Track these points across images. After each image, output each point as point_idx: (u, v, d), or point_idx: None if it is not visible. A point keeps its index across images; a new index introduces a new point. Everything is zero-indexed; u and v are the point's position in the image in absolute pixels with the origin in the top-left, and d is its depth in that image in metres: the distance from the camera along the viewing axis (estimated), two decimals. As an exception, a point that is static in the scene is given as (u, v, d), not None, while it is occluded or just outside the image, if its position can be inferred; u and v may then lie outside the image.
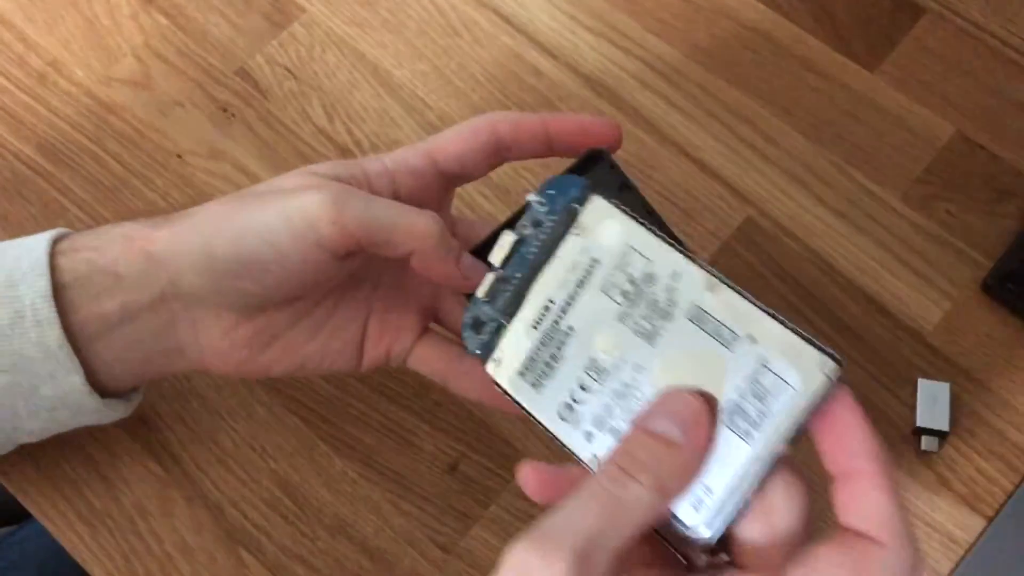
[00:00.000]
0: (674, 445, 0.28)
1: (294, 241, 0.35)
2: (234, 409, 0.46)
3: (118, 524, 0.44)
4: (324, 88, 0.53)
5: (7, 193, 0.51)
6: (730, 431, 0.28)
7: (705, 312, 0.29)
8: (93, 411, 0.39)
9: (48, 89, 0.53)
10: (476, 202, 0.50)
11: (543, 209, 0.34)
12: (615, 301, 0.31)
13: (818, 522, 0.28)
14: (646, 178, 0.51)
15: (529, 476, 0.31)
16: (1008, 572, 0.43)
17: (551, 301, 0.32)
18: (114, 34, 0.55)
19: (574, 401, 0.31)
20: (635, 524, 0.27)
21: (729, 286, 0.29)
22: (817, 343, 0.27)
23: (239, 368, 0.39)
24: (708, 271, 0.29)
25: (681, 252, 0.30)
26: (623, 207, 0.31)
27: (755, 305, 0.28)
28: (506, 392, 0.33)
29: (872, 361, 0.47)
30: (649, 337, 0.30)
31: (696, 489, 0.28)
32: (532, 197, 0.34)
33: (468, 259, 0.36)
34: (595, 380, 0.31)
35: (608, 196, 0.32)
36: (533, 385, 0.32)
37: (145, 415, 0.45)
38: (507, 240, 0.34)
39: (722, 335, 0.28)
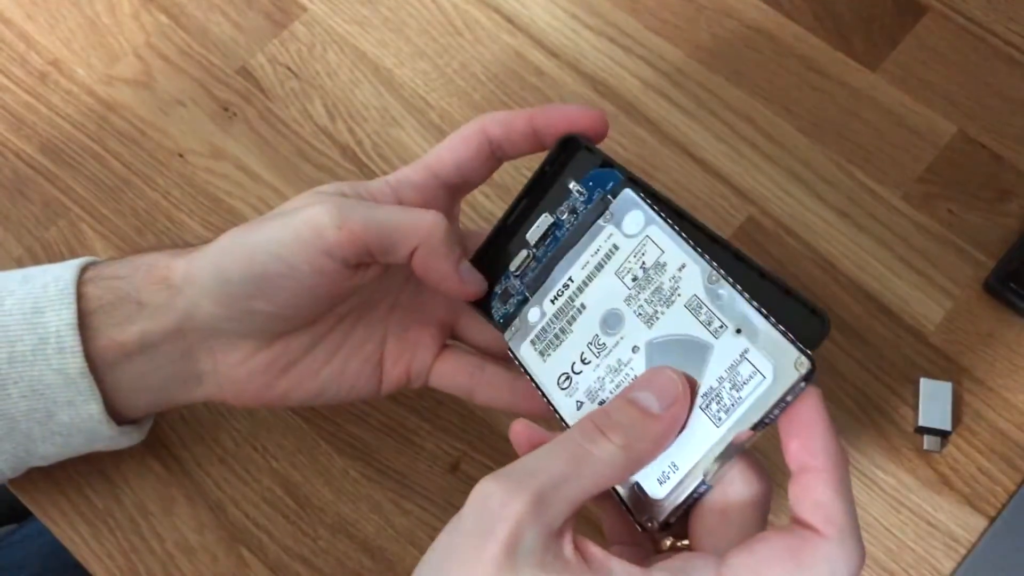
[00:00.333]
0: (650, 415, 0.30)
1: (303, 251, 0.35)
2: (235, 408, 0.46)
3: (119, 523, 0.44)
4: (325, 87, 0.53)
5: (8, 192, 0.51)
6: (704, 414, 0.30)
7: (701, 302, 0.31)
8: (108, 438, 0.39)
9: (49, 88, 0.53)
10: (478, 202, 0.50)
11: (581, 198, 0.36)
12: (626, 285, 0.33)
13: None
14: (648, 177, 0.51)
15: (521, 433, 0.32)
16: (1010, 572, 0.43)
17: (571, 279, 0.35)
18: (115, 33, 0.55)
19: (573, 372, 0.34)
20: (598, 477, 0.29)
21: (728, 281, 0.31)
22: (797, 343, 0.29)
23: (257, 397, 0.39)
24: (712, 267, 0.31)
25: (692, 247, 0.32)
26: (648, 201, 0.34)
27: (748, 302, 0.30)
28: (516, 356, 0.36)
29: (874, 360, 0.47)
30: (649, 320, 0.32)
31: (664, 464, 0.30)
32: (573, 185, 0.37)
33: (467, 266, 0.37)
34: (595, 355, 0.33)
35: (637, 191, 0.34)
36: (541, 354, 0.35)
37: (146, 414, 0.45)
38: (544, 222, 0.37)
39: (712, 325, 0.30)
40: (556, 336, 0.35)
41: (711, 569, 0.27)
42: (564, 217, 0.37)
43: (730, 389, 0.29)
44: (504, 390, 0.40)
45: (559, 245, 0.36)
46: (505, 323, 0.37)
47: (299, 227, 0.35)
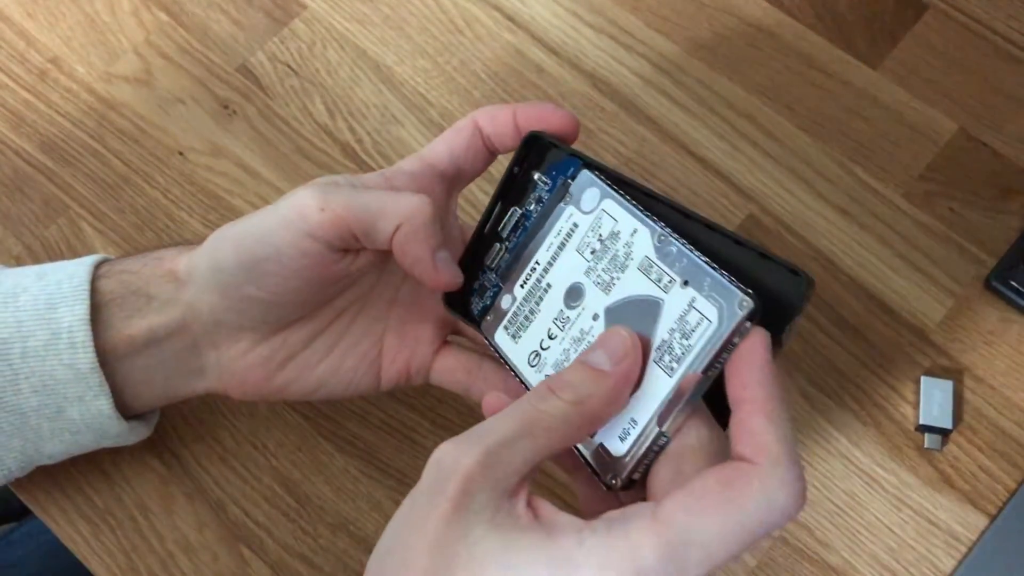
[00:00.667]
0: (600, 372, 0.30)
1: (288, 234, 0.35)
2: (235, 406, 0.46)
3: (119, 522, 0.44)
4: (326, 85, 0.53)
5: (8, 190, 0.51)
6: (658, 367, 0.30)
7: (652, 262, 0.32)
8: (116, 435, 0.39)
9: (49, 86, 0.53)
10: (476, 198, 0.50)
11: (545, 187, 0.37)
12: (585, 259, 0.34)
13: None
14: (649, 175, 0.51)
15: (491, 405, 0.33)
16: (1011, 569, 0.43)
17: (537, 263, 0.36)
18: (115, 31, 0.55)
19: (542, 348, 0.35)
20: (551, 435, 0.29)
21: (675, 238, 0.31)
22: (740, 285, 0.29)
23: (256, 390, 0.39)
24: (660, 227, 0.32)
25: (643, 212, 0.33)
26: (602, 177, 0.35)
27: (693, 253, 0.31)
28: (492, 345, 0.37)
29: (875, 358, 0.46)
30: (606, 287, 0.33)
31: (624, 422, 0.31)
32: (537, 177, 0.37)
33: (445, 255, 0.37)
34: (560, 329, 0.34)
35: (593, 171, 0.35)
36: (513, 337, 0.36)
37: (146, 412, 0.45)
38: (514, 215, 0.38)
39: (662, 281, 0.31)
40: (526, 318, 0.36)
41: (648, 512, 0.27)
42: (531, 207, 0.37)
43: (680, 339, 0.30)
44: (499, 386, 0.40)
45: (527, 233, 0.37)
46: (481, 317, 0.38)
47: (284, 211, 0.36)
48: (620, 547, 0.26)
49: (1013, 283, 0.47)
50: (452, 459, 0.28)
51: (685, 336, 0.30)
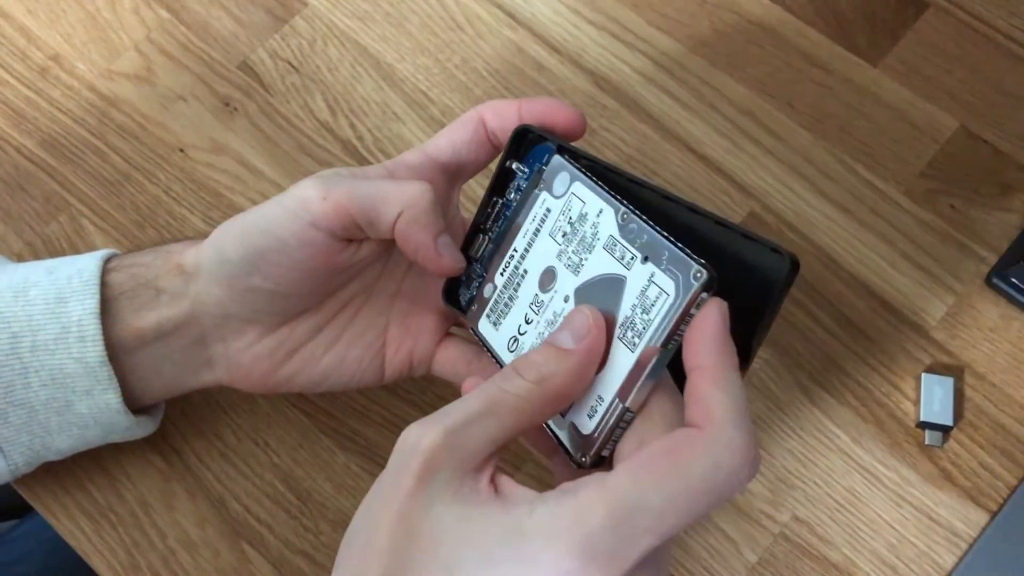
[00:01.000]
0: (563, 351, 0.30)
1: (291, 224, 0.36)
2: (236, 403, 0.46)
3: (121, 518, 0.44)
4: (326, 82, 0.53)
5: (9, 188, 0.51)
6: (621, 343, 0.31)
7: (616, 240, 0.32)
8: (124, 429, 0.40)
9: (50, 83, 0.53)
10: (478, 194, 0.50)
11: (523, 176, 0.37)
12: (557, 242, 0.34)
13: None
14: (650, 173, 0.51)
15: (468, 390, 0.33)
16: (1011, 566, 0.43)
17: (515, 250, 0.36)
18: (116, 28, 0.55)
19: (519, 334, 0.35)
20: (516, 414, 0.29)
21: (638, 216, 0.31)
22: (696, 258, 0.29)
23: (262, 382, 0.40)
24: (624, 206, 0.32)
25: (608, 192, 0.33)
26: (572, 161, 0.35)
27: (653, 229, 0.31)
28: (477, 334, 0.37)
29: (875, 356, 0.47)
30: (576, 269, 0.33)
31: (592, 399, 0.31)
32: (515, 166, 0.38)
33: (447, 240, 0.37)
34: (535, 313, 0.35)
35: (564, 155, 0.35)
36: (494, 324, 0.36)
37: (148, 409, 0.45)
38: (495, 205, 0.38)
39: (625, 259, 0.31)
40: (505, 305, 0.36)
41: (597, 481, 0.27)
42: (511, 196, 0.38)
43: (641, 314, 0.30)
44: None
45: (507, 222, 0.37)
46: (468, 307, 0.38)
47: (287, 202, 0.36)
48: (568, 515, 0.26)
49: (1014, 280, 0.47)
50: (416, 438, 0.29)
51: (645, 311, 0.30)
